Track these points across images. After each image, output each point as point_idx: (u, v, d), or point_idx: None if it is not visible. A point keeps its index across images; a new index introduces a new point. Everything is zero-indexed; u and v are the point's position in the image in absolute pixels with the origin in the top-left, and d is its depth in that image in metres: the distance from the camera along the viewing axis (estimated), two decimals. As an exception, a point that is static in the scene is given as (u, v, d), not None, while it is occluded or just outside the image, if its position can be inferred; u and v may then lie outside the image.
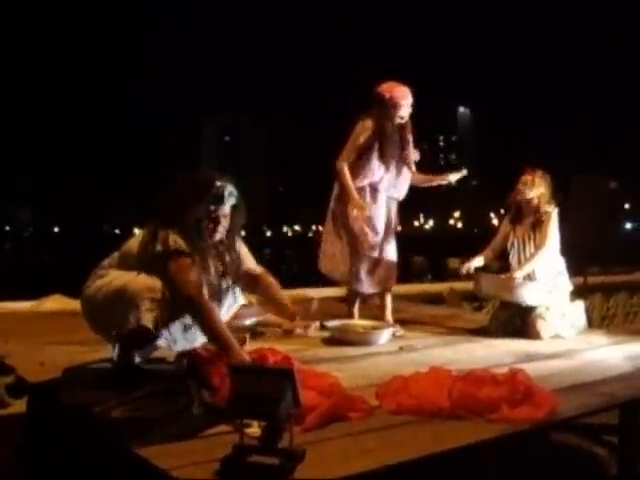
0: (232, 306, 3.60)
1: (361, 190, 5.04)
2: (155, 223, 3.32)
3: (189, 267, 3.17)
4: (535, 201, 4.98)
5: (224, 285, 3.48)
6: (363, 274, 5.06)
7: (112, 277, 3.26)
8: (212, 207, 3.30)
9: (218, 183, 3.32)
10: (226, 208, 3.35)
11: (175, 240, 3.18)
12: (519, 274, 4.81)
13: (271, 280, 3.73)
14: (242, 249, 3.64)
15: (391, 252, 5.14)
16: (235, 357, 3.01)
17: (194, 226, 3.25)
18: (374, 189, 5.07)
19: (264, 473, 2.04)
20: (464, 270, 5.07)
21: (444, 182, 5.44)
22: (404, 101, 5.03)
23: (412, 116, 5.16)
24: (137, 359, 3.27)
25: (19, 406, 4.77)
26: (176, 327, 3.23)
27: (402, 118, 5.06)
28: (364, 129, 5.02)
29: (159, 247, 3.20)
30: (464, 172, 5.37)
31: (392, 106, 5.00)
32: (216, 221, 3.34)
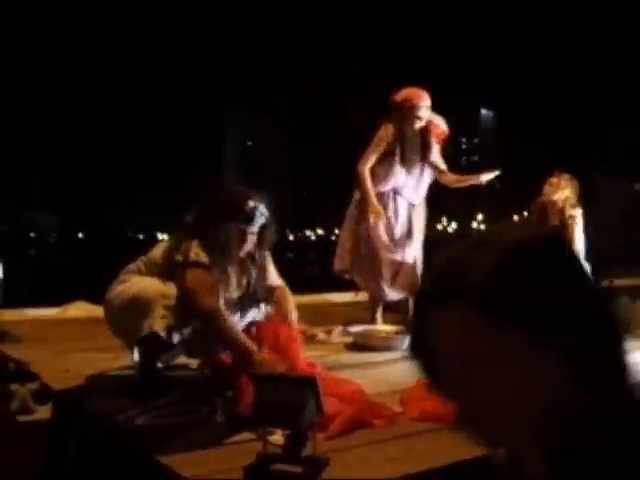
0: (250, 318, 3.58)
1: (383, 195, 5.04)
2: (182, 232, 3.36)
3: (205, 279, 3.18)
4: (560, 204, 4.95)
5: (246, 299, 3.49)
6: (384, 281, 5.04)
7: (132, 282, 3.28)
8: (242, 225, 3.32)
9: (251, 203, 3.33)
10: (255, 227, 3.37)
11: (197, 252, 3.21)
12: None
13: (286, 294, 3.67)
14: (269, 266, 3.64)
15: (413, 257, 5.12)
16: (256, 362, 2.98)
17: (220, 241, 3.27)
18: (396, 194, 5.07)
19: (288, 481, 2.04)
20: None
21: (477, 182, 5.39)
22: (419, 101, 5.02)
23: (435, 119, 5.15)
24: (159, 365, 3.28)
25: (44, 412, 4.81)
26: (191, 334, 3.22)
27: (420, 119, 5.04)
28: (386, 134, 5.02)
29: (179, 257, 3.22)
30: (497, 172, 5.30)
31: (408, 108, 5.00)
32: (244, 239, 3.35)
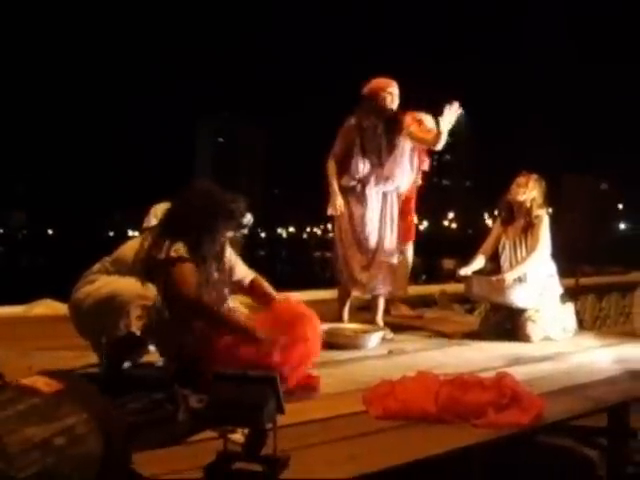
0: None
1: (353, 190, 5.04)
2: (158, 232, 3.35)
3: (191, 272, 3.21)
4: (527, 204, 4.98)
5: (218, 295, 3.51)
6: (355, 275, 5.05)
7: (102, 283, 3.25)
8: (234, 230, 3.46)
9: (242, 204, 3.43)
10: (240, 226, 3.48)
11: (178, 249, 3.22)
12: (510, 276, 4.81)
13: (261, 280, 3.73)
14: (232, 257, 3.66)
15: (387, 252, 5.09)
16: (254, 337, 3.14)
17: (208, 243, 3.33)
18: (364, 186, 5.05)
19: (248, 480, 2.04)
20: (462, 273, 5.07)
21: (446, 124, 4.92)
22: (383, 91, 5.00)
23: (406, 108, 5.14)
24: (126, 364, 3.28)
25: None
26: (165, 333, 3.23)
27: (387, 107, 5.01)
28: (347, 127, 5.07)
29: (162, 255, 3.22)
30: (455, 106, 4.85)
31: (372, 98, 5.00)
32: (223, 236, 3.45)
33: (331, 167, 5.07)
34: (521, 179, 5.04)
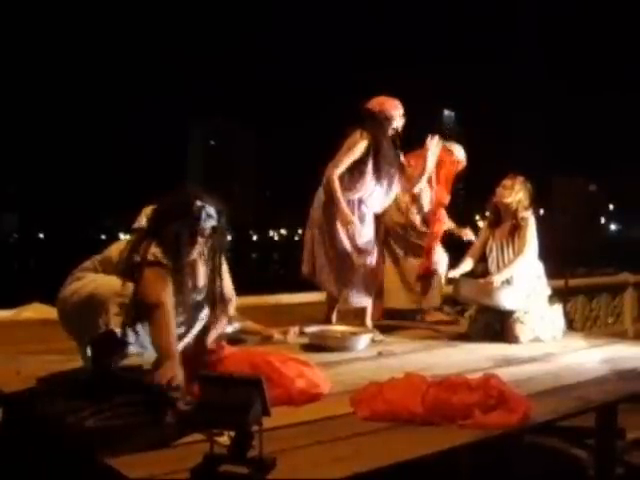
0: (200, 322, 3.58)
1: (349, 203, 5.03)
2: (139, 233, 3.42)
3: (162, 277, 3.19)
4: (513, 206, 5.00)
5: (195, 301, 3.49)
6: (354, 285, 5.05)
7: (87, 280, 3.29)
8: (189, 225, 3.34)
9: (198, 203, 3.35)
10: (204, 228, 3.38)
11: (154, 252, 3.23)
12: (498, 279, 4.83)
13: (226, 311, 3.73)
14: (225, 274, 3.67)
15: (375, 262, 5.17)
16: (165, 367, 2.95)
17: (171, 240, 3.29)
18: (361, 203, 5.06)
19: (234, 483, 2.04)
20: (450, 275, 5.10)
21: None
22: (395, 112, 5.04)
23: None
24: (112, 365, 3.27)
25: (-3, 416, 4.76)
26: (145, 333, 3.23)
27: (395, 130, 5.07)
28: (362, 142, 4.99)
29: (137, 257, 3.25)
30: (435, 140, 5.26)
31: (384, 119, 5.01)
32: (193, 240, 3.37)
33: (337, 183, 4.96)
34: (507, 182, 5.06)
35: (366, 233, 5.10)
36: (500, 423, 2.74)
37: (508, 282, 4.89)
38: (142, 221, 4.27)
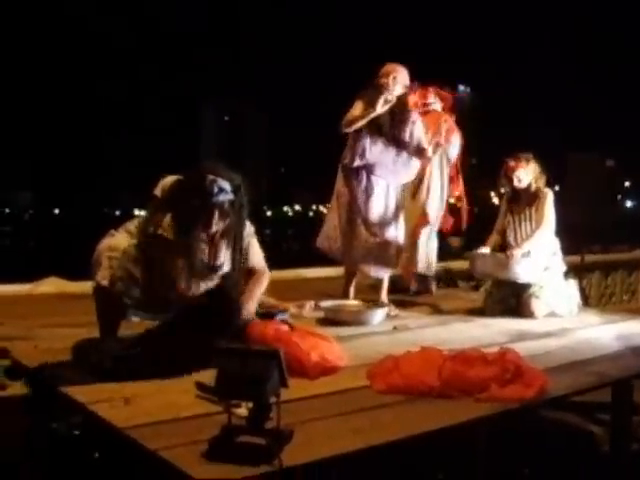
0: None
1: (357, 171, 5.03)
2: (155, 204, 3.57)
3: (168, 246, 3.41)
4: (532, 186, 4.98)
5: (209, 270, 3.56)
6: (358, 254, 5.06)
7: (109, 236, 3.50)
8: (202, 199, 3.41)
9: (210, 177, 3.41)
10: (219, 203, 3.42)
11: (167, 223, 3.40)
12: (517, 252, 4.81)
13: (258, 277, 3.78)
14: (252, 247, 3.75)
15: (387, 236, 5.12)
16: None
17: (184, 215, 3.41)
18: (370, 173, 5.04)
19: (251, 453, 2.05)
20: (479, 252, 5.08)
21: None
22: (389, 77, 5.01)
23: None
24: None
25: (17, 388, 4.81)
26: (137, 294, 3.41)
27: (390, 92, 5.00)
28: (357, 103, 5.05)
29: (151, 228, 3.43)
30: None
31: (379, 84, 5.00)
32: (210, 214, 3.43)
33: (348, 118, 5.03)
34: (515, 166, 5.01)
35: (375, 205, 5.07)
36: (516, 397, 2.75)
37: (525, 255, 4.87)
38: (158, 192, 4.32)
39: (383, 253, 5.10)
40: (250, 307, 3.56)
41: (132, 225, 3.52)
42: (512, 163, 5.00)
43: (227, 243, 3.56)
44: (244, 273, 3.71)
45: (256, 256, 3.78)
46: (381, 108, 4.94)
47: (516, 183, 4.99)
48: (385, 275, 5.17)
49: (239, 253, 3.62)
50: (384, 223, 5.10)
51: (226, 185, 3.42)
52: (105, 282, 3.32)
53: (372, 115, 4.93)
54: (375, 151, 4.99)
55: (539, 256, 4.89)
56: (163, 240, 3.39)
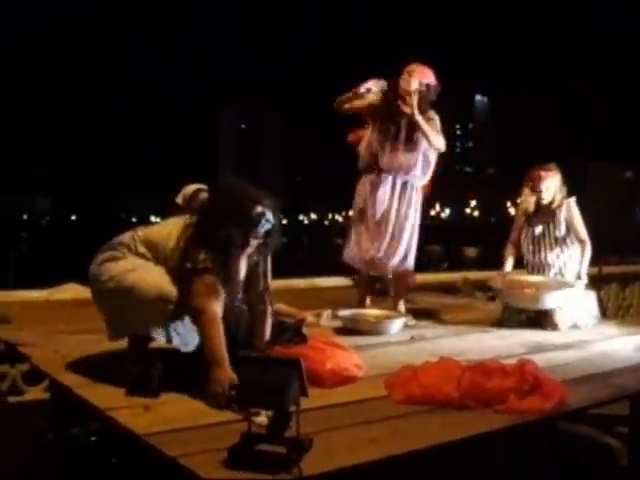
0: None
1: (369, 170, 5.10)
2: (189, 233, 3.21)
3: (211, 284, 3.07)
4: (555, 202, 4.97)
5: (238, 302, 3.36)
6: (366, 253, 5.06)
7: (128, 265, 3.15)
8: (246, 231, 3.20)
9: (259, 209, 3.20)
10: (259, 233, 3.24)
11: (205, 258, 3.09)
12: (580, 283, 4.83)
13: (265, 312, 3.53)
14: (268, 274, 3.59)
15: (398, 238, 5.09)
16: (217, 374, 2.85)
17: (224, 245, 3.14)
18: (380, 170, 5.07)
19: (270, 462, 2.06)
20: (504, 273, 5.07)
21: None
22: (400, 75, 5.02)
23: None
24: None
25: (34, 393, 4.84)
26: (186, 331, 3.15)
27: (403, 89, 4.99)
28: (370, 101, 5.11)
29: (188, 264, 3.10)
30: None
31: (393, 81, 5.04)
32: (246, 243, 3.22)
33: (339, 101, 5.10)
34: (542, 174, 4.98)
35: (382, 201, 5.07)
36: (535, 409, 2.74)
37: (561, 273, 4.85)
38: (179, 200, 4.29)
39: (395, 251, 5.10)
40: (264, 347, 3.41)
41: (143, 247, 3.19)
42: (542, 172, 4.96)
43: (250, 264, 3.36)
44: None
45: (269, 278, 3.63)
46: (367, 93, 5.00)
47: (544, 193, 4.96)
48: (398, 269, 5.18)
49: (264, 279, 3.49)
50: (401, 224, 5.10)
51: (271, 216, 3.25)
52: (160, 336, 3.05)
53: (360, 101, 5.01)
54: (390, 152, 5.00)
55: (571, 271, 4.89)
56: (207, 274, 3.07)
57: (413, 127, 5.01)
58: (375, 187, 5.05)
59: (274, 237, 3.33)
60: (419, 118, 4.90)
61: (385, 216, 5.06)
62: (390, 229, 5.06)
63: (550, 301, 4.72)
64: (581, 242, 4.93)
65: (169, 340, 3.07)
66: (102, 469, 3.61)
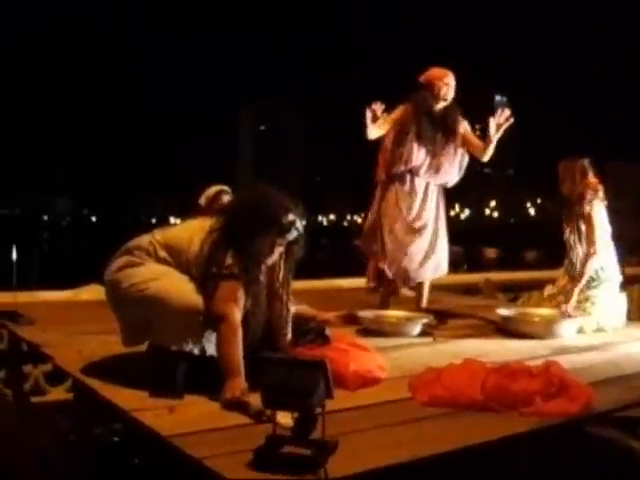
0: None
1: (402, 177, 5.04)
2: (217, 239, 3.12)
3: (234, 290, 3.01)
4: (574, 195, 4.90)
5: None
6: (405, 264, 5.04)
7: (149, 273, 3.06)
8: (276, 238, 3.15)
9: (290, 217, 3.17)
10: (286, 240, 3.20)
11: (230, 264, 3.03)
12: (570, 308, 4.70)
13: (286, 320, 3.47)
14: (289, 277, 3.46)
15: (430, 241, 5.10)
16: (231, 385, 2.79)
17: (253, 252, 3.09)
18: (413, 175, 5.04)
19: (296, 464, 2.06)
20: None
21: (493, 133, 5.00)
22: (439, 81, 5.01)
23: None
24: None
25: (57, 393, 4.87)
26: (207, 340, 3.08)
27: (442, 98, 5.02)
28: (400, 108, 5.08)
29: (214, 269, 3.04)
30: (506, 114, 4.96)
31: (427, 87, 5.03)
32: (272, 250, 3.18)
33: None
34: (567, 171, 4.93)
35: (417, 207, 5.07)
36: (561, 411, 2.72)
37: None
38: (202, 201, 4.29)
39: (432, 255, 5.10)
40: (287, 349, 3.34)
41: (163, 252, 3.10)
42: (565, 170, 4.93)
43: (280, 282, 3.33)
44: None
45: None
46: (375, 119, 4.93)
47: (570, 191, 4.90)
48: (434, 276, 5.20)
49: (287, 285, 3.44)
50: (432, 226, 5.11)
51: (300, 225, 3.22)
52: (194, 349, 3.01)
53: (380, 124, 4.95)
54: (421, 153, 4.99)
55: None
56: (232, 280, 3.01)
57: (450, 132, 5.05)
58: (410, 194, 5.05)
59: (299, 245, 3.30)
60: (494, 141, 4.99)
61: (424, 223, 5.07)
62: (429, 237, 5.08)
63: (566, 333, 4.52)
64: (586, 247, 4.86)
65: (203, 352, 3.04)
66: (124, 470, 3.62)
